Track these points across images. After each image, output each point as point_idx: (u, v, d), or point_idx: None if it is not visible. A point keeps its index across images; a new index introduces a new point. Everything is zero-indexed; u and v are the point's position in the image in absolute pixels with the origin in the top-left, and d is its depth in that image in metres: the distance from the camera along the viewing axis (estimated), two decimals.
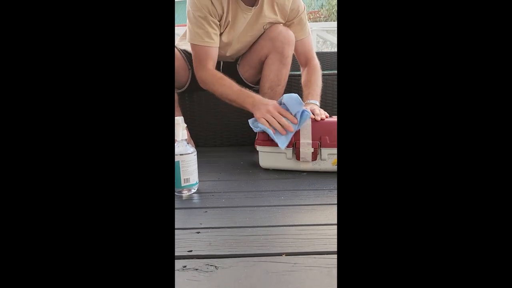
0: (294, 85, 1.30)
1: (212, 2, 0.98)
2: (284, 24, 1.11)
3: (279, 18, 1.08)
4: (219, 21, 1.03)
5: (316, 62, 1.17)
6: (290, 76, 1.20)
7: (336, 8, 6.83)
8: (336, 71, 1.23)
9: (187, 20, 1.03)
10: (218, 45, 1.05)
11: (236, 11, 1.02)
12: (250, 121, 0.97)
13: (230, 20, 1.03)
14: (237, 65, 1.21)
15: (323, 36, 3.83)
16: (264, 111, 0.91)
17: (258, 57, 1.15)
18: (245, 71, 1.21)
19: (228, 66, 1.21)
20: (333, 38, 3.68)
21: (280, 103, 0.92)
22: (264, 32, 1.12)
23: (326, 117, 0.93)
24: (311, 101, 1.06)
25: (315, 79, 1.13)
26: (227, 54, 1.15)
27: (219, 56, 1.10)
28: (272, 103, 0.92)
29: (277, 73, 1.13)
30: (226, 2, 1.00)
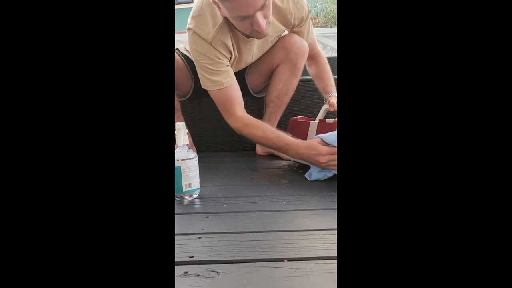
0: (301, 91, 1.31)
1: (219, 50, 0.94)
2: (290, 31, 1.09)
3: (283, 28, 1.05)
4: (229, 59, 1.00)
5: (322, 53, 1.18)
6: (300, 80, 1.19)
7: (332, 14, 6.89)
8: (336, 76, 1.23)
9: (197, 68, 0.99)
10: (235, 78, 1.00)
11: (238, 45, 1.00)
12: (311, 176, 0.87)
13: (237, 54, 1.02)
14: (245, 74, 1.19)
15: (323, 41, 3.84)
16: (322, 161, 0.82)
17: (270, 65, 1.13)
18: (254, 79, 1.19)
19: (236, 74, 1.19)
20: (333, 43, 3.70)
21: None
22: (277, 40, 1.10)
23: None
24: (333, 94, 1.07)
25: (327, 69, 1.14)
26: (237, 70, 1.14)
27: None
28: (318, 149, 0.82)
29: (286, 83, 1.12)
30: (230, 42, 0.97)
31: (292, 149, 0.88)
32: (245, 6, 0.79)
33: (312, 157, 0.83)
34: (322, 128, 0.92)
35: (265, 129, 0.93)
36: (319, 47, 1.20)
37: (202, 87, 1.01)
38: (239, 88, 1.00)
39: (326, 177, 0.86)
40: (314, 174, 0.87)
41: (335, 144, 0.81)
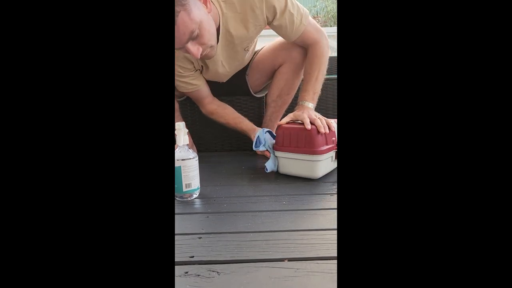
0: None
1: (178, 65, 1.02)
2: (271, 26, 0.99)
3: (255, 31, 0.98)
4: (194, 67, 1.06)
5: (318, 47, 1.00)
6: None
7: (332, 13, 6.89)
8: (336, 76, 1.22)
9: None
10: (204, 82, 1.11)
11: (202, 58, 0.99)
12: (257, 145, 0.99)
13: (202, 64, 1.05)
14: (246, 75, 1.19)
15: None
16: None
17: (272, 65, 1.13)
18: (255, 79, 1.19)
19: (236, 75, 1.17)
20: (332, 43, 3.70)
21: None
22: (278, 42, 1.10)
23: (315, 126, 0.88)
24: (301, 103, 0.97)
25: (313, 69, 0.99)
26: (224, 80, 1.14)
27: (219, 80, 1.14)
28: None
29: (287, 82, 1.12)
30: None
31: (247, 134, 1.08)
32: None
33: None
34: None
35: (227, 117, 1.13)
36: (319, 35, 1.00)
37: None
38: (206, 87, 1.13)
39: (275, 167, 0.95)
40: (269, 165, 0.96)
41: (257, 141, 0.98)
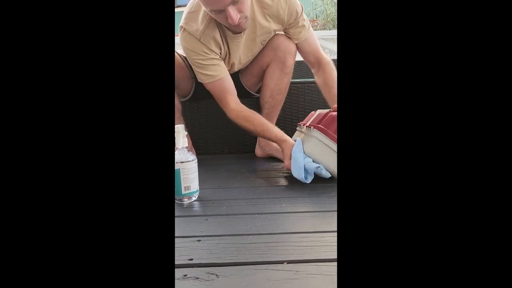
0: (294, 93, 1.31)
1: (206, 45, 0.99)
2: (285, 29, 1.08)
3: (275, 27, 1.05)
4: (220, 54, 1.04)
5: (329, 59, 1.12)
6: (299, 83, 1.20)
7: (332, 16, 6.93)
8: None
9: (191, 64, 1.05)
10: (228, 74, 1.05)
11: (227, 40, 1.03)
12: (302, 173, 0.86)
13: (227, 49, 1.05)
14: (239, 74, 1.21)
15: (321, 44, 3.85)
16: (286, 163, 0.92)
17: (260, 65, 1.15)
18: (247, 79, 1.21)
19: (231, 76, 1.20)
20: (332, 46, 3.72)
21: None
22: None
23: None
24: None
25: (334, 77, 1.08)
26: (231, 73, 1.15)
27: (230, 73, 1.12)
28: (287, 153, 0.91)
29: (278, 82, 1.13)
30: (219, 36, 1.01)
31: (276, 142, 0.98)
32: (215, 1, 0.84)
33: (284, 155, 0.93)
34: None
35: (254, 122, 1.00)
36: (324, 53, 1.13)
37: (198, 80, 1.08)
38: (231, 80, 1.06)
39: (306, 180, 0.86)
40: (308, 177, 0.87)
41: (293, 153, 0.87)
